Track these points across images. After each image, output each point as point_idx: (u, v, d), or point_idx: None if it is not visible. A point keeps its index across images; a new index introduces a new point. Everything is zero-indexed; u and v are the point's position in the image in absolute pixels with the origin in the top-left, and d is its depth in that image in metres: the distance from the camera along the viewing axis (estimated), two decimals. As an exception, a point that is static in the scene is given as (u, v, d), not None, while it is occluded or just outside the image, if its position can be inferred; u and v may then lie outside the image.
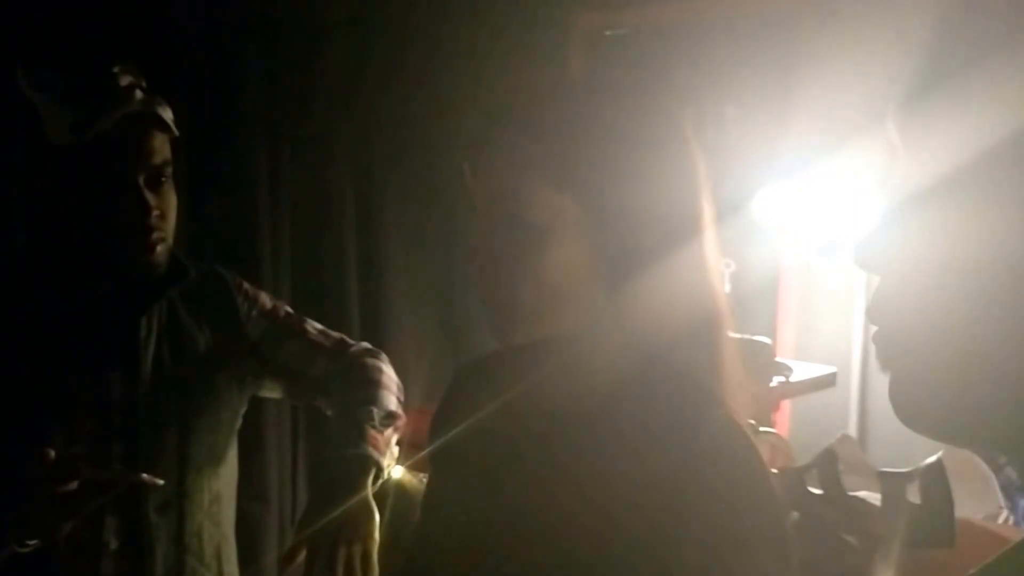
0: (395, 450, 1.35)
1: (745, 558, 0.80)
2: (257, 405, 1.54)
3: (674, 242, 0.87)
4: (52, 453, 1.10)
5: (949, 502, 1.48)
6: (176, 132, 1.29)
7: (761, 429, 1.99)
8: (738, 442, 0.85)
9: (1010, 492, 1.82)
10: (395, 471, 1.30)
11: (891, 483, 1.54)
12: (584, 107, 0.87)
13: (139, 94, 1.25)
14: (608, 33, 2.70)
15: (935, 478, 1.48)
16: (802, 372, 2.21)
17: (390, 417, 1.37)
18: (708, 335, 0.90)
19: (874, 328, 0.48)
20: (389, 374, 1.47)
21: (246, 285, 1.48)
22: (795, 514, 1.66)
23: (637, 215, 0.85)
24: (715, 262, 0.90)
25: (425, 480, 1.12)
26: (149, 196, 1.25)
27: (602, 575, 0.83)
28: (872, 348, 2.45)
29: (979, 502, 1.72)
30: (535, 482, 0.90)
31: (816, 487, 1.65)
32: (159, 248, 1.29)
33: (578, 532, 0.85)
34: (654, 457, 0.84)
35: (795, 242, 2.51)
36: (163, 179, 1.28)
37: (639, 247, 0.85)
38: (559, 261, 0.85)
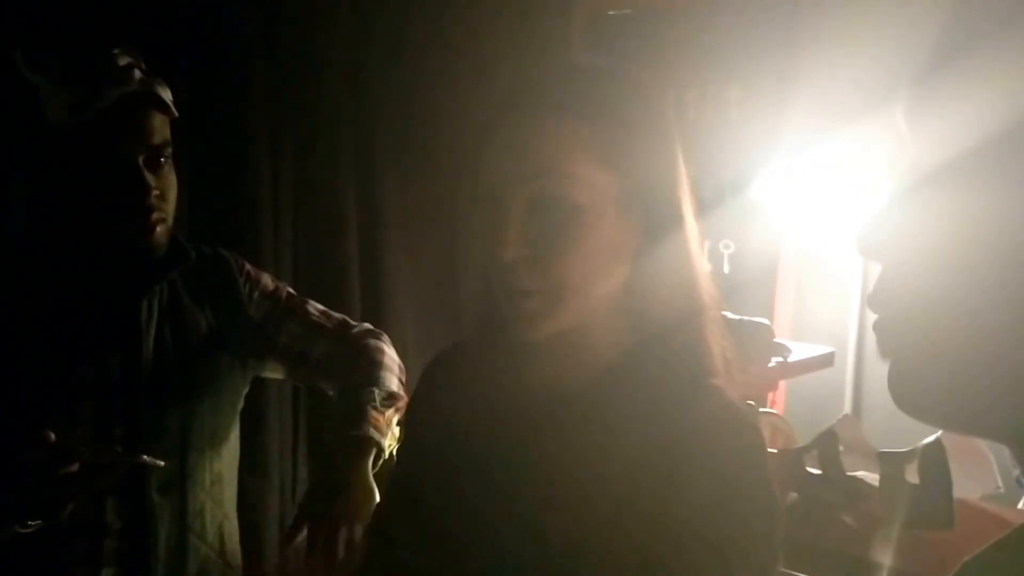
0: (396, 431, 1.35)
1: (734, 532, 0.81)
2: (259, 383, 1.54)
3: (684, 222, 0.90)
4: (53, 435, 1.10)
5: (948, 482, 1.49)
6: (176, 113, 1.29)
7: (761, 410, 2.00)
8: (731, 418, 0.86)
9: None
10: (396, 451, 1.31)
11: (890, 463, 1.55)
12: (624, 88, 0.88)
13: (138, 74, 1.24)
14: (611, 13, 2.69)
15: (934, 458, 1.49)
16: (800, 352, 2.21)
17: (391, 398, 1.38)
18: (701, 315, 0.91)
19: (875, 317, 0.48)
20: (391, 355, 1.48)
21: (248, 267, 1.48)
22: (794, 494, 1.67)
23: (666, 195, 0.88)
24: (699, 244, 0.93)
25: None
26: (148, 176, 1.25)
27: (596, 544, 0.84)
28: (868, 328, 2.45)
29: (977, 482, 1.73)
30: (531, 461, 0.90)
31: (816, 467, 1.66)
32: (159, 229, 1.28)
33: (576, 507, 0.85)
34: (649, 431, 0.85)
35: (794, 224, 2.51)
36: (163, 160, 1.28)
37: (666, 226, 0.88)
38: (601, 240, 0.85)
